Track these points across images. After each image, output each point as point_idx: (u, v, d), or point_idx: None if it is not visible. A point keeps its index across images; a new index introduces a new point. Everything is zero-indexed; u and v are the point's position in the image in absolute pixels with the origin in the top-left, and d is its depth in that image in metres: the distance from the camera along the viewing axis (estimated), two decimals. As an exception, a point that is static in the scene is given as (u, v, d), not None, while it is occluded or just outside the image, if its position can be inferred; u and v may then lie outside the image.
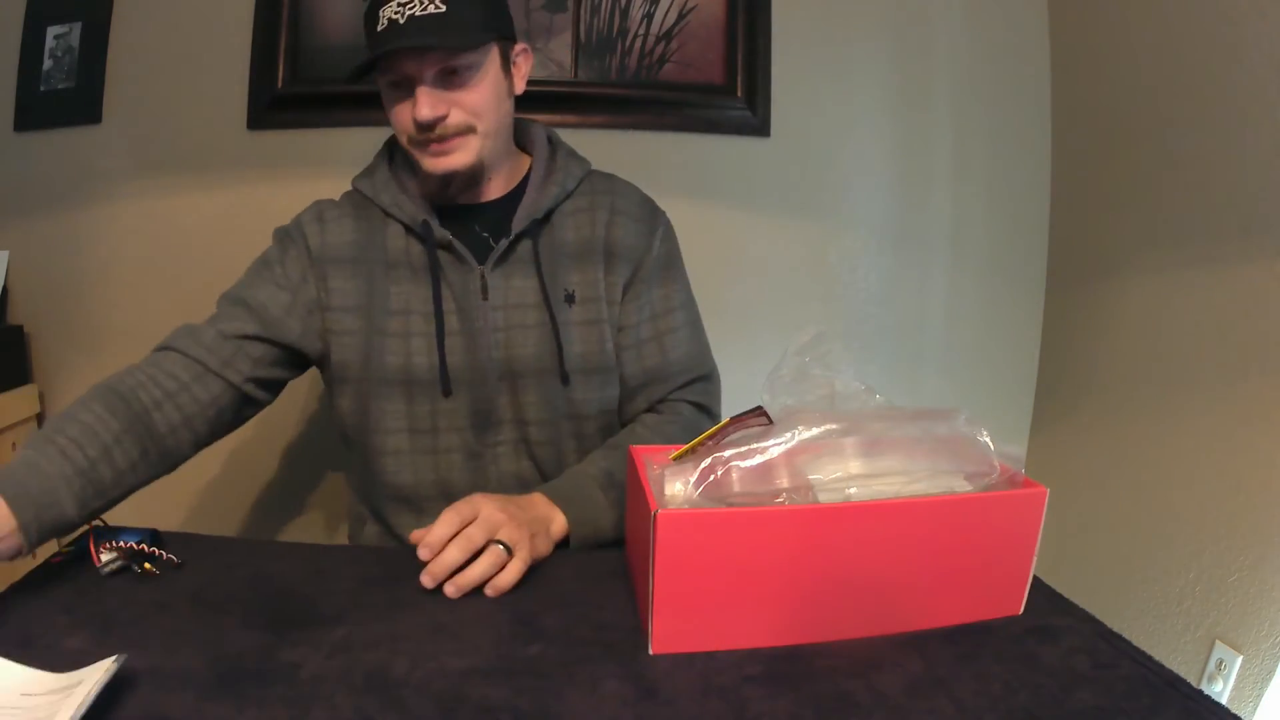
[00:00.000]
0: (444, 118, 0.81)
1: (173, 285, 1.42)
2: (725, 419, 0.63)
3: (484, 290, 0.87)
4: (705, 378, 0.97)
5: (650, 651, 0.55)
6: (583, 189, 0.93)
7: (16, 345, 1.40)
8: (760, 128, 1.40)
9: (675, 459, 0.62)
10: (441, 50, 0.79)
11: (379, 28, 0.78)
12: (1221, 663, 1.01)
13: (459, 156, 0.84)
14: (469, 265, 0.87)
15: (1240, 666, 0.99)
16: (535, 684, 0.51)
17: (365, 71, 0.81)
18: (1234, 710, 0.55)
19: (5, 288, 1.40)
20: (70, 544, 0.68)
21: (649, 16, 1.37)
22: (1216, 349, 1.08)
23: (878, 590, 0.58)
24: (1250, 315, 1.02)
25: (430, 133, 0.81)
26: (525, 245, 0.89)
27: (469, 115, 0.82)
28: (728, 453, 0.57)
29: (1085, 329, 1.38)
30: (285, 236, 0.91)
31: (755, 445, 0.57)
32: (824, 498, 0.57)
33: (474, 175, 0.87)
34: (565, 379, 0.89)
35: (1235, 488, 1.03)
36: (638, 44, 1.38)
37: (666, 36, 1.38)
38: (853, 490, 0.57)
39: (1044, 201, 1.47)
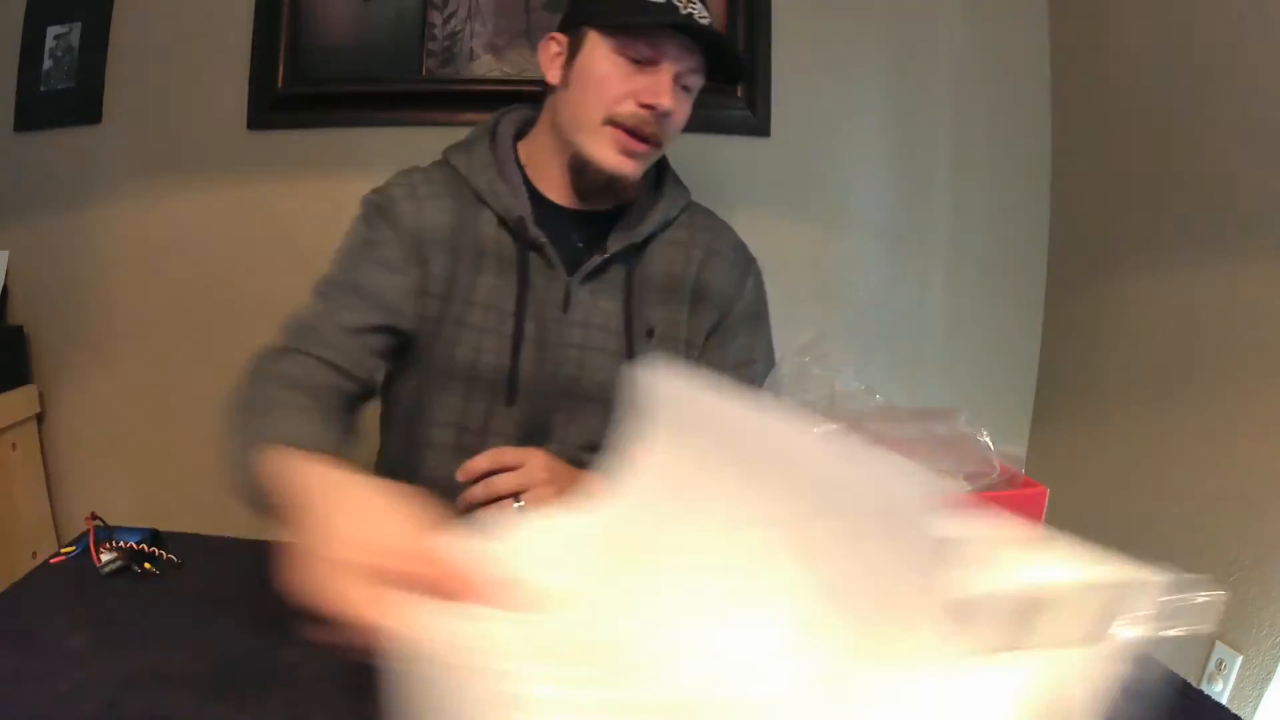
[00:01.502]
0: (669, 115, 0.79)
1: (173, 285, 1.42)
2: None
3: (566, 303, 0.84)
4: None
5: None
6: (681, 220, 0.90)
7: (16, 345, 1.40)
8: (760, 128, 1.40)
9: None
10: (704, 64, 0.79)
11: (659, 0, 0.76)
12: (1221, 663, 1.01)
13: (638, 165, 0.81)
14: (557, 274, 0.83)
15: (1240, 666, 0.99)
16: (535, 684, 0.51)
17: (627, 26, 0.77)
18: (1234, 710, 0.55)
19: (5, 288, 1.40)
20: (70, 544, 0.68)
21: (649, 16, 1.37)
22: (1216, 349, 1.08)
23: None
24: (1250, 315, 1.02)
25: (646, 124, 0.78)
26: (618, 268, 0.85)
27: (672, 130, 0.81)
28: (728, 453, 0.57)
29: (1085, 329, 1.38)
30: (378, 212, 0.84)
31: (755, 445, 0.57)
32: (824, 498, 0.56)
33: (622, 187, 0.84)
34: None
35: (1235, 488, 1.03)
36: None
37: (666, 36, 1.38)
38: (853, 490, 0.57)
39: (1044, 201, 1.47)
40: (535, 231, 0.82)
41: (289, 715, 0.47)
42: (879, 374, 1.49)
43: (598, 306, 0.85)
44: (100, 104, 1.37)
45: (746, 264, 0.93)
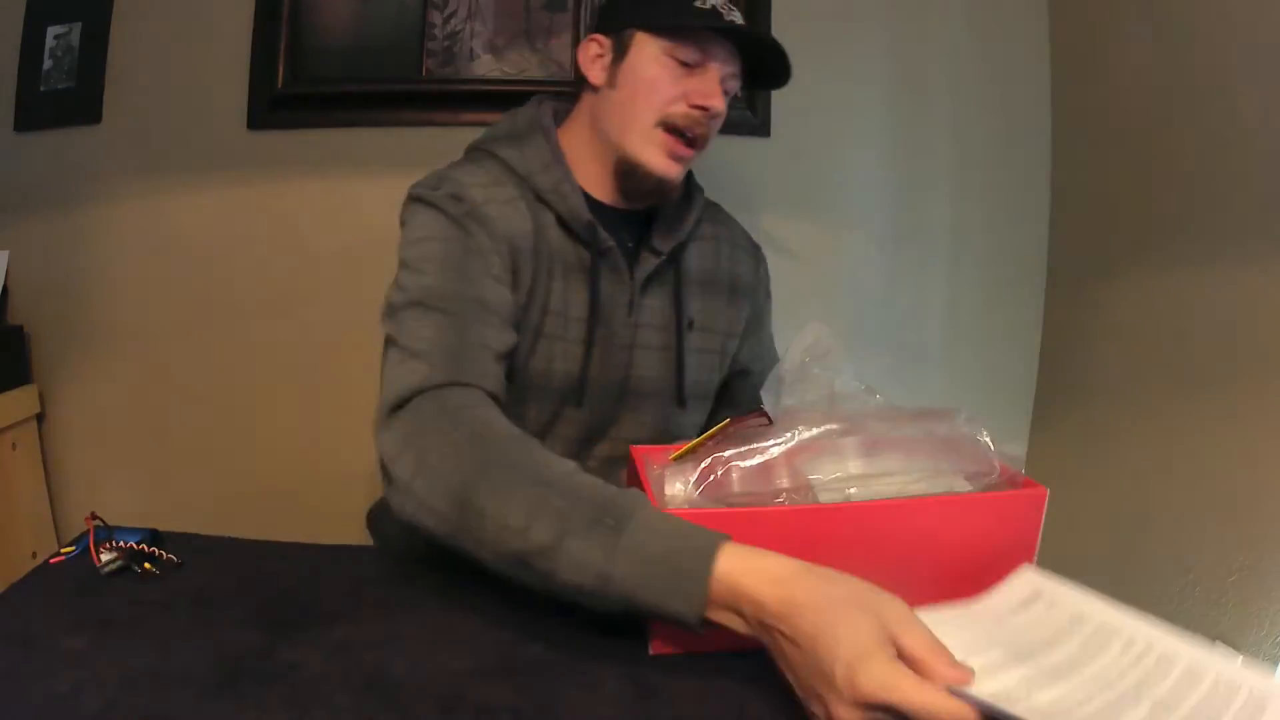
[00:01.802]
0: (720, 117, 0.80)
1: (173, 285, 1.42)
2: (726, 421, 0.63)
3: (630, 306, 0.84)
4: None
5: (650, 652, 0.55)
6: (706, 217, 0.93)
7: (16, 345, 1.40)
8: (760, 128, 1.40)
9: (675, 459, 0.62)
10: (740, 71, 0.81)
11: (704, 4, 0.77)
12: (1221, 663, 1.00)
13: (683, 168, 0.82)
14: (622, 277, 0.84)
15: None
16: (535, 684, 0.51)
17: (679, 28, 0.77)
18: (1234, 710, 0.55)
19: (5, 288, 1.40)
20: (70, 544, 0.68)
21: (649, 16, 1.37)
22: (1216, 349, 1.08)
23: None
24: (1250, 315, 1.02)
25: (697, 125, 0.79)
26: (669, 266, 0.87)
27: (715, 131, 0.82)
28: (728, 452, 0.57)
29: (1085, 329, 1.38)
30: (469, 216, 0.77)
31: (755, 445, 0.57)
32: (824, 498, 0.57)
33: (668, 189, 0.84)
34: (683, 403, 0.88)
35: (1235, 488, 1.03)
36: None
37: (666, 36, 1.38)
38: (853, 490, 0.57)
39: (1044, 201, 1.47)
40: (605, 235, 0.81)
41: (289, 715, 0.47)
42: (879, 374, 1.49)
43: (651, 305, 0.86)
44: (100, 104, 1.37)
45: (756, 250, 0.99)
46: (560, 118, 0.89)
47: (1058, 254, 1.47)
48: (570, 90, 0.89)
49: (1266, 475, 0.99)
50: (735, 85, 0.83)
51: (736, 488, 0.56)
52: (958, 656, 0.47)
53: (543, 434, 0.84)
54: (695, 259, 0.90)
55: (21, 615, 0.57)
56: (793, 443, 0.57)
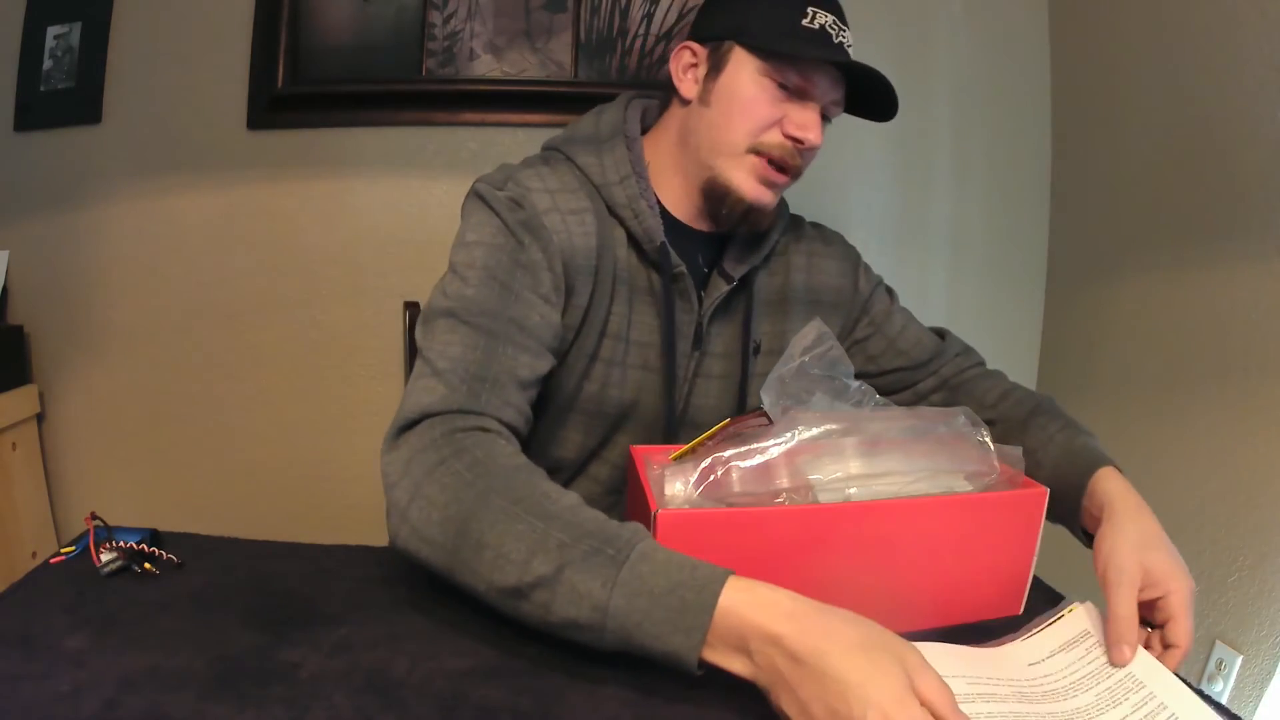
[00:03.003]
0: (815, 150, 0.75)
1: (173, 285, 1.42)
2: (725, 420, 0.63)
3: (698, 337, 0.79)
4: (946, 333, 0.94)
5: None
6: (783, 229, 0.87)
7: (16, 345, 1.40)
8: (760, 128, 1.40)
9: (675, 459, 0.62)
10: (843, 98, 0.75)
11: (812, 24, 0.70)
12: (1221, 663, 1.01)
13: (775, 195, 0.76)
14: (690, 306, 0.78)
15: (1240, 666, 0.99)
16: (535, 684, 0.51)
17: (780, 53, 0.71)
18: (1234, 710, 0.55)
19: (5, 288, 1.40)
20: (70, 544, 0.68)
21: (649, 16, 1.37)
22: (1216, 349, 1.08)
23: (877, 590, 0.58)
24: (1250, 315, 1.02)
25: (791, 157, 0.74)
26: (739, 293, 0.81)
27: (808, 162, 0.77)
28: (728, 453, 0.57)
29: (1085, 329, 1.38)
30: (524, 227, 0.71)
31: (755, 445, 0.57)
32: (824, 498, 0.57)
33: (759, 216, 0.77)
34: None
35: (1235, 488, 1.03)
36: (638, 44, 1.38)
37: (666, 36, 1.38)
38: (853, 490, 0.57)
39: (1044, 201, 1.47)
40: (677, 260, 0.76)
41: (289, 715, 0.47)
42: (879, 374, 1.49)
43: (718, 334, 0.81)
44: (100, 104, 1.37)
45: (850, 257, 0.91)
46: (650, 118, 0.83)
47: (1058, 254, 1.47)
48: (658, 92, 0.83)
49: (1266, 475, 0.99)
50: (838, 111, 0.77)
51: (736, 488, 0.56)
52: (967, 681, 0.49)
53: (589, 458, 0.80)
54: (765, 278, 0.84)
55: (21, 615, 0.57)
56: (793, 443, 0.57)
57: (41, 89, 1.38)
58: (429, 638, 0.56)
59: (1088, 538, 0.65)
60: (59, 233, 1.41)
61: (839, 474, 0.58)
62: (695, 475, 0.57)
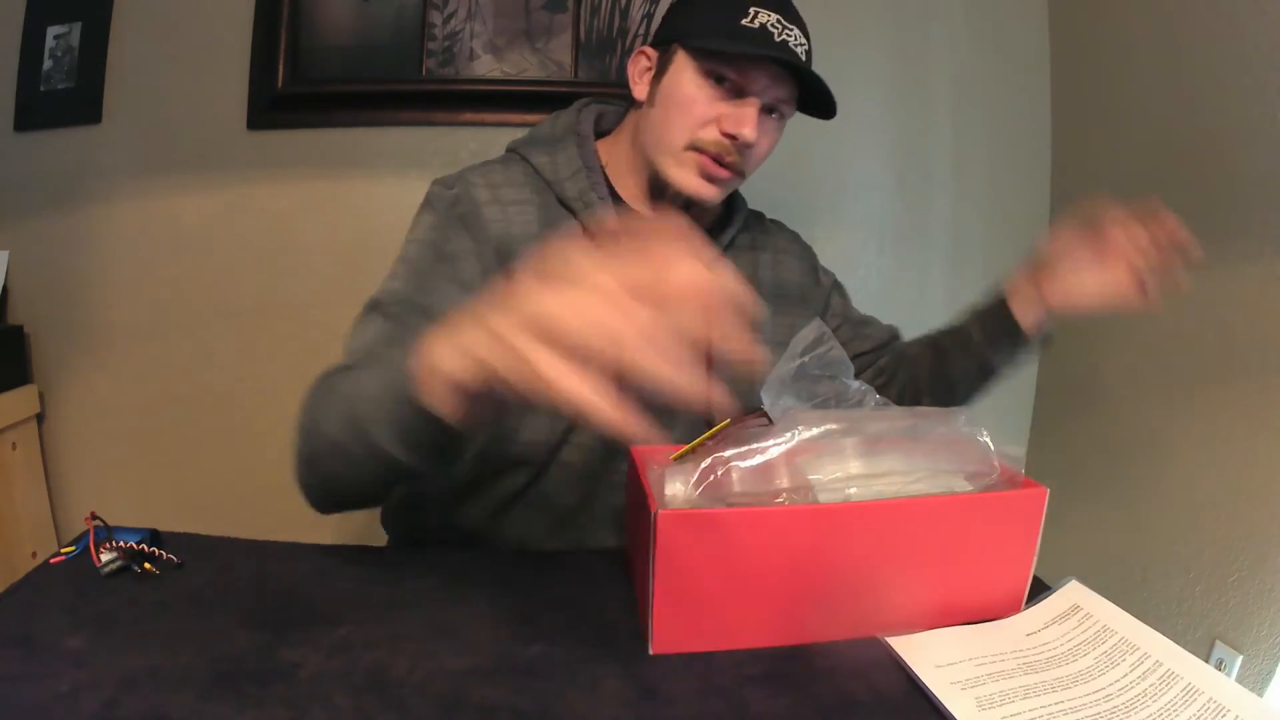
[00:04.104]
0: (751, 147, 0.76)
1: (173, 285, 1.42)
2: (726, 422, 0.63)
3: None
4: (893, 328, 1.01)
5: (650, 651, 0.55)
6: (743, 227, 0.90)
7: (16, 345, 1.40)
8: (760, 128, 1.40)
9: (676, 459, 0.62)
10: (796, 93, 0.76)
11: (752, 23, 0.72)
12: (1221, 663, 1.01)
13: (719, 190, 0.78)
14: None
15: (1240, 666, 0.99)
16: (535, 684, 0.51)
17: (712, 52, 0.73)
18: (1234, 710, 0.55)
19: (5, 288, 1.40)
20: (70, 544, 0.68)
21: (649, 16, 1.38)
22: (1217, 349, 1.08)
23: (877, 590, 0.58)
24: (1250, 315, 1.02)
25: (728, 153, 0.75)
26: None
27: (756, 160, 0.78)
28: (728, 452, 0.57)
29: (1085, 328, 1.38)
30: (458, 220, 0.76)
31: (755, 445, 0.57)
32: (824, 498, 0.57)
33: (701, 209, 0.81)
34: (711, 420, 0.86)
35: (1235, 488, 1.03)
36: (638, 44, 1.38)
37: (666, 36, 1.38)
38: (853, 490, 0.57)
39: (1044, 201, 1.47)
40: None
41: (289, 715, 0.47)
42: (879, 374, 1.49)
43: None
44: (100, 104, 1.37)
45: (806, 252, 0.97)
46: (607, 122, 0.87)
47: (1058, 254, 1.47)
48: (621, 96, 0.87)
49: (1266, 475, 0.99)
50: (790, 109, 0.79)
51: (737, 488, 0.56)
52: (974, 664, 0.52)
53: (561, 444, 0.81)
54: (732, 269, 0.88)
55: (21, 615, 0.57)
56: (793, 443, 0.57)
57: (41, 89, 1.38)
58: (429, 638, 0.56)
59: (1041, 340, 0.85)
60: (59, 233, 1.41)
61: (839, 474, 0.58)
62: (695, 475, 0.57)
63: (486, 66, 1.37)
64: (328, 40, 1.36)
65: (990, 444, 0.60)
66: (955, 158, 1.45)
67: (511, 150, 0.84)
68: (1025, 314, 0.85)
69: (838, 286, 0.99)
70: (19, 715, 0.46)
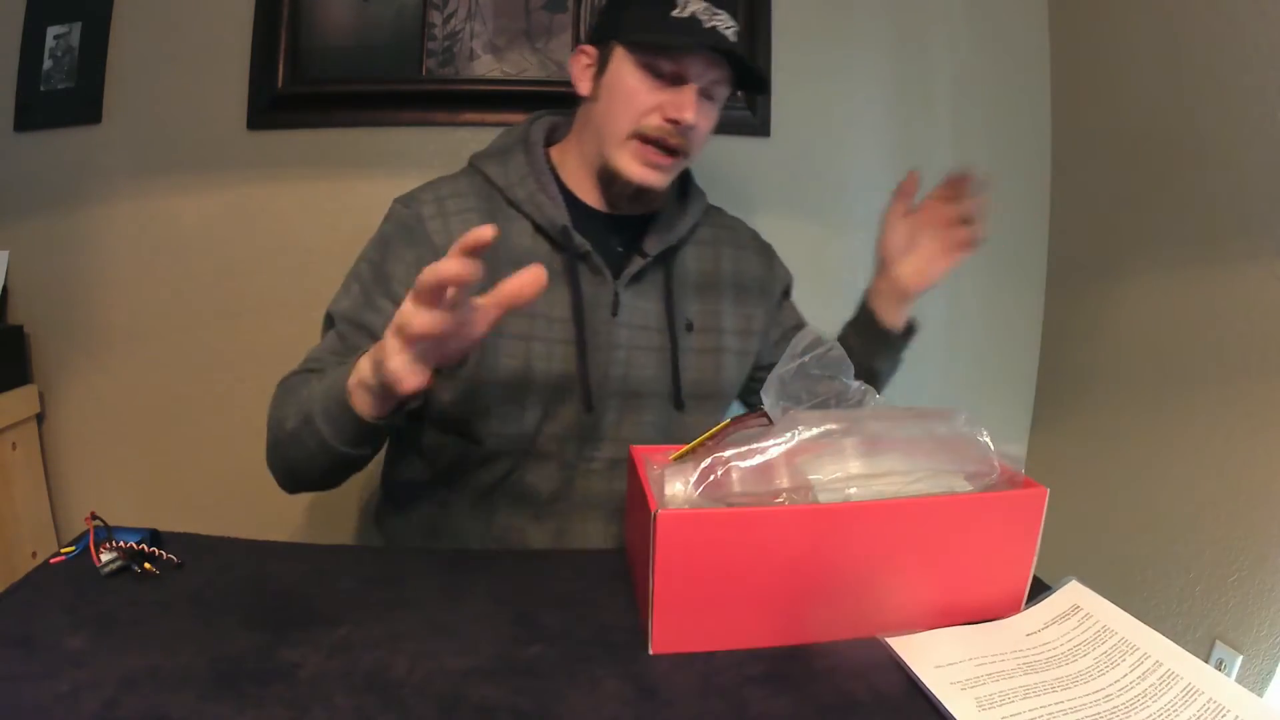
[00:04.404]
0: (694, 128, 0.81)
1: (173, 285, 1.42)
2: (726, 420, 0.63)
3: (615, 307, 0.86)
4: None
5: (650, 651, 0.55)
6: (705, 221, 0.95)
7: (16, 345, 1.40)
8: (760, 128, 1.40)
9: (675, 459, 0.62)
10: (730, 73, 0.81)
11: (682, 13, 0.78)
12: (1221, 663, 1.01)
13: (664, 176, 0.83)
14: (603, 279, 0.86)
15: (1240, 666, 0.99)
16: (535, 684, 0.51)
17: (649, 45, 0.79)
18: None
19: (5, 288, 1.40)
20: (70, 544, 0.68)
21: (649, 16, 1.37)
22: (1216, 349, 1.08)
23: (877, 590, 0.58)
24: (1250, 315, 1.02)
25: (671, 137, 0.80)
26: (656, 269, 0.89)
27: (698, 140, 0.83)
28: (728, 453, 0.57)
29: (1085, 329, 1.38)
30: (405, 233, 0.84)
31: (755, 445, 0.57)
32: (824, 498, 0.57)
33: (651, 197, 0.87)
34: (680, 404, 0.89)
35: (1235, 488, 1.03)
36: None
37: (666, 36, 1.38)
38: (853, 490, 0.57)
39: (1044, 201, 1.47)
40: (580, 240, 0.84)
41: (289, 715, 0.47)
42: (879, 374, 1.49)
43: (638, 307, 0.88)
44: (100, 104, 1.37)
45: (766, 251, 1.01)
46: (561, 131, 0.92)
47: (1058, 254, 1.47)
48: (570, 99, 0.91)
49: (1266, 475, 0.99)
50: (723, 92, 0.84)
51: (737, 488, 0.56)
52: (974, 664, 0.52)
53: (535, 435, 0.85)
54: (692, 262, 0.92)
55: (21, 615, 0.57)
56: (793, 443, 0.57)
57: (41, 89, 1.38)
58: (429, 638, 0.56)
59: (902, 330, 0.93)
60: (59, 233, 1.41)
61: (839, 474, 0.58)
62: (695, 475, 0.57)
63: (486, 66, 1.37)
64: (328, 40, 1.36)
65: (990, 443, 0.60)
66: (955, 158, 1.45)
67: (470, 164, 0.91)
68: (886, 312, 0.92)
69: (788, 293, 1.04)
70: (19, 715, 0.46)
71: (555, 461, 0.87)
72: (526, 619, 0.59)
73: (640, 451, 0.67)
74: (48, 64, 1.38)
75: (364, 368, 0.64)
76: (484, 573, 0.66)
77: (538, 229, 0.85)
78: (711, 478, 0.56)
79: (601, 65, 0.83)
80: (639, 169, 0.82)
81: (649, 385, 0.88)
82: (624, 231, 0.89)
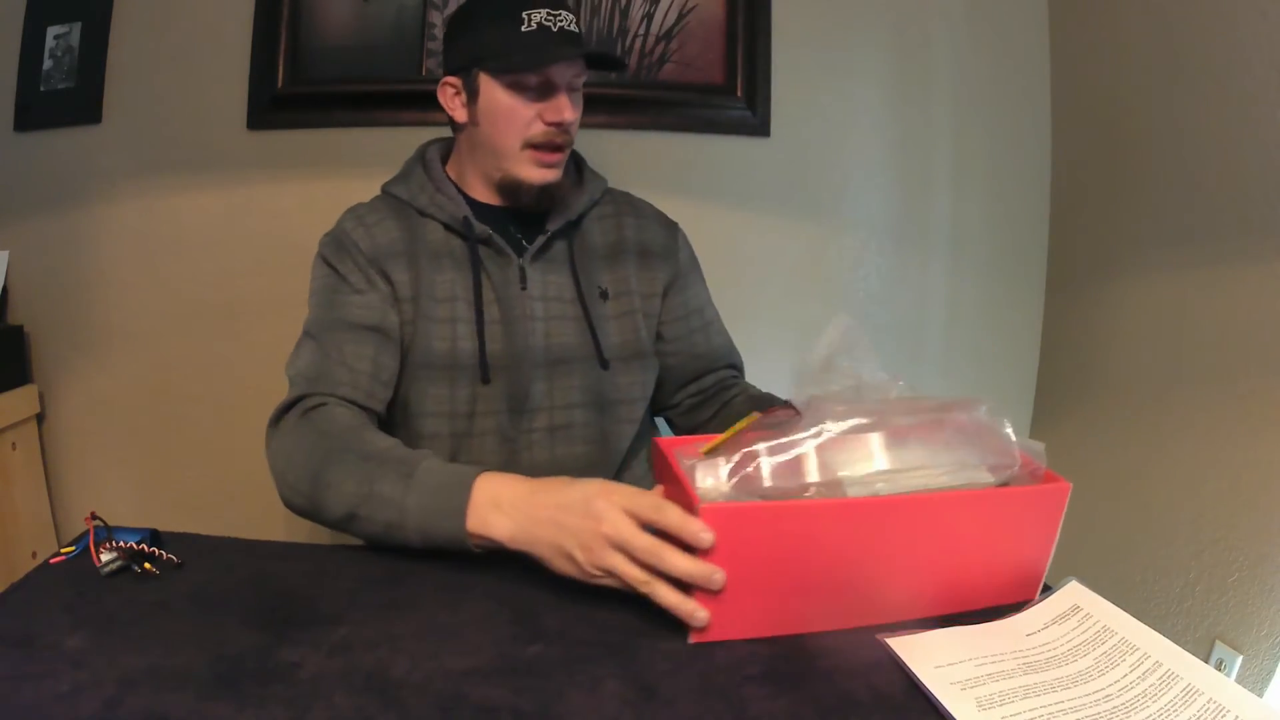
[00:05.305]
0: (573, 122, 0.89)
1: (173, 285, 1.42)
2: (754, 415, 0.64)
3: (523, 280, 0.92)
4: (740, 364, 1.08)
5: (689, 641, 0.56)
6: (605, 199, 1.01)
7: (16, 345, 1.40)
8: (760, 128, 1.40)
9: (706, 452, 0.62)
10: (584, 68, 0.88)
11: (529, 27, 0.84)
12: (1221, 663, 1.01)
13: (559, 169, 0.91)
14: (508, 257, 0.92)
15: (1240, 666, 0.99)
16: (535, 684, 0.51)
17: (516, 66, 0.85)
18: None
19: (5, 288, 1.40)
20: (70, 544, 0.68)
21: (649, 16, 1.38)
22: (1216, 349, 1.08)
23: (899, 577, 0.59)
24: (1250, 315, 1.02)
25: (556, 136, 0.88)
26: (560, 245, 0.95)
27: (575, 128, 0.91)
28: (759, 446, 0.58)
29: (1085, 329, 1.38)
30: (337, 249, 0.91)
31: (784, 440, 0.58)
32: (852, 492, 0.57)
33: (554, 188, 0.93)
34: (605, 364, 0.94)
35: (1235, 488, 1.03)
36: (638, 44, 1.38)
37: (666, 36, 1.38)
38: (880, 485, 0.58)
39: (1044, 201, 1.47)
40: (480, 226, 0.91)
41: (289, 715, 0.47)
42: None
43: (550, 281, 0.94)
44: (100, 104, 1.37)
45: (671, 224, 1.05)
46: (453, 153, 1.00)
47: (1058, 254, 1.47)
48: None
49: (1266, 475, 0.99)
50: (580, 81, 0.90)
51: (767, 482, 0.57)
52: (974, 664, 0.52)
53: (471, 414, 0.91)
54: (597, 235, 0.98)
55: (21, 615, 0.57)
56: (821, 438, 0.58)
57: (41, 89, 1.38)
58: (429, 638, 0.56)
59: None
60: (59, 233, 1.41)
61: (867, 469, 0.59)
62: (729, 469, 0.58)
63: (486, 66, 1.37)
64: (328, 40, 1.36)
65: (1012, 435, 0.61)
66: (955, 157, 1.45)
67: (381, 190, 0.99)
68: None
69: (698, 275, 1.06)
70: (19, 715, 0.46)
71: (494, 436, 0.92)
72: (526, 619, 0.59)
73: (667, 443, 0.67)
74: (48, 64, 1.38)
75: (497, 521, 0.64)
76: (484, 573, 0.66)
77: (447, 228, 0.92)
78: (744, 472, 0.57)
79: (471, 93, 0.89)
80: (537, 171, 0.89)
81: (572, 351, 0.93)
82: (526, 219, 0.95)
